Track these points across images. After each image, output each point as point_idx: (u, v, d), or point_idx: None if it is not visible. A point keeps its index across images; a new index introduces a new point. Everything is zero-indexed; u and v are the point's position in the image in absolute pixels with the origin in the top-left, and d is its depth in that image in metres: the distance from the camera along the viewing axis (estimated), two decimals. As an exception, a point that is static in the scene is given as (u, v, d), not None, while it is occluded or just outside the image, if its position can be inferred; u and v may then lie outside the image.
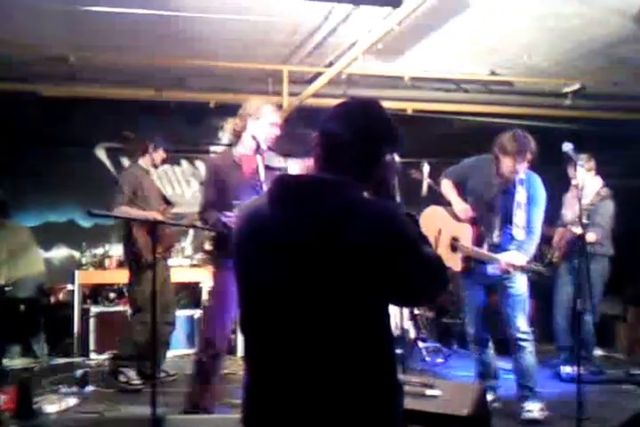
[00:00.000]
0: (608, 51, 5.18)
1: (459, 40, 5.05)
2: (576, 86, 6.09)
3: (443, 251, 4.01)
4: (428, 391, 3.23)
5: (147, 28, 4.73)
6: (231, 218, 3.38)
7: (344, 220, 1.54)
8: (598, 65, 5.57)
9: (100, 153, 5.37)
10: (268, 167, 3.60)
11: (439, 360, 5.46)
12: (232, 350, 5.43)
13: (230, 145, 3.74)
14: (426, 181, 5.57)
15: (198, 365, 3.64)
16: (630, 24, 4.51)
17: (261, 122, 3.59)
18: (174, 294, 4.92)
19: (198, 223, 4.31)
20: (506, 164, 3.84)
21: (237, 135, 3.64)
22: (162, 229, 4.39)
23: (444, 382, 3.55)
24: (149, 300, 4.32)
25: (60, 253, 6.13)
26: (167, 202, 4.69)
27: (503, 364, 4.35)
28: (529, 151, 3.79)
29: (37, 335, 5.00)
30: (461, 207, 4.08)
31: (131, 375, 4.45)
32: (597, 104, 6.68)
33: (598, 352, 5.25)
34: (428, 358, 5.45)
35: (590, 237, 4.66)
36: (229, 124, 3.70)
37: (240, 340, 5.45)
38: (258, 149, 3.55)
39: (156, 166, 4.77)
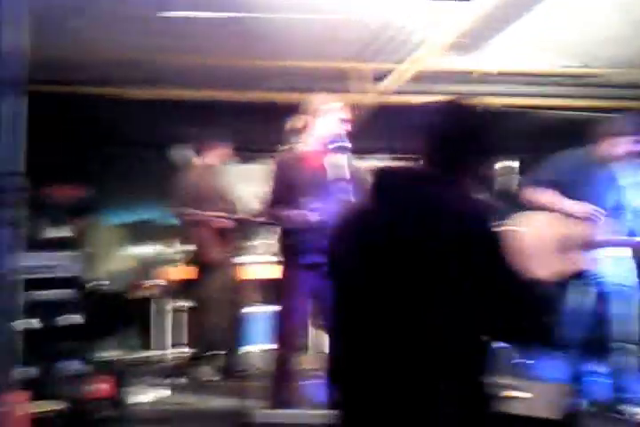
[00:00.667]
0: None
1: (542, 32, 4.92)
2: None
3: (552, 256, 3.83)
4: (516, 393, 3.17)
5: (220, 30, 4.83)
6: (306, 214, 3.40)
7: (448, 215, 1.54)
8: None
9: (179, 153, 5.52)
10: (335, 165, 3.58)
11: (528, 362, 5.30)
12: (306, 347, 5.48)
13: (295, 143, 3.73)
14: (516, 178, 5.44)
15: (276, 361, 3.67)
16: None
17: (324, 119, 3.58)
18: (251, 290, 4.92)
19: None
20: (620, 146, 3.70)
21: (301, 133, 3.65)
22: (223, 229, 4.44)
23: (532, 383, 3.47)
24: (212, 298, 4.50)
25: (148, 250, 6.33)
26: (232, 201, 4.68)
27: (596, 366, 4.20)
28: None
29: (129, 329, 5.20)
30: (580, 205, 3.82)
31: (205, 371, 4.54)
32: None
33: None
34: (515, 360, 5.30)
35: None
36: (293, 122, 3.70)
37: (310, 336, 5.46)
38: (323, 146, 3.56)
39: (219, 164, 4.73)
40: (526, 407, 3.10)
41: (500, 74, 5.77)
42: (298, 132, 3.68)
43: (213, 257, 4.46)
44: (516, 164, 5.16)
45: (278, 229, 3.79)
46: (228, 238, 4.55)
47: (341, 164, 3.56)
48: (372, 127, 6.36)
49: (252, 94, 6.27)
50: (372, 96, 5.84)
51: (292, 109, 3.64)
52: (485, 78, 5.78)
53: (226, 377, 4.56)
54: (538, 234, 3.78)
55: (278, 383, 3.66)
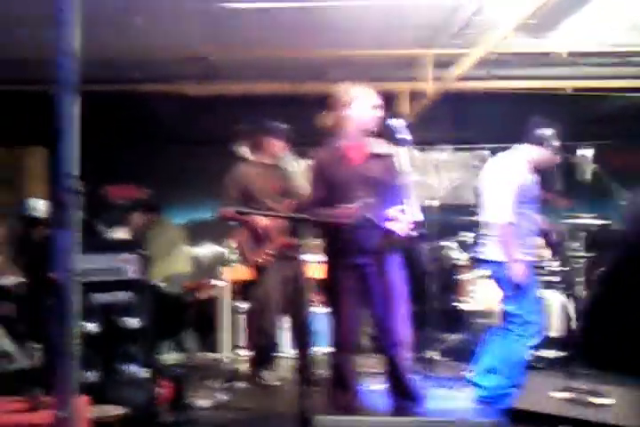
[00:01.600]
0: None
1: (618, 8, 4.55)
2: None
3: None
4: (596, 400, 2.98)
5: (283, 21, 4.73)
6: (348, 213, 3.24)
7: None
8: None
9: (241, 150, 5.43)
10: (373, 155, 3.41)
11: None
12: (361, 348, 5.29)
13: (334, 138, 3.53)
14: (590, 167, 5.10)
15: (332, 365, 3.55)
16: None
17: (355, 107, 3.40)
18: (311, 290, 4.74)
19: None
20: None
21: (337, 126, 3.46)
22: (266, 228, 4.27)
23: (615, 389, 3.22)
24: (267, 299, 4.34)
25: (207, 249, 6.32)
26: (289, 198, 4.39)
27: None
28: None
29: (187, 331, 5.16)
30: None
31: (263, 375, 4.44)
32: None
33: None
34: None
35: None
36: (327, 116, 3.50)
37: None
38: (362, 139, 3.39)
39: (276, 158, 4.46)
40: (607, 415, 2.88)
41: (573, 55, 5.41)
42: (333, 127, 3.49)
43: (253, 258, 4.32)
44: (590, 152, 4.81)
45: (320, 229, 3.64)
46: (272, 239, 4.34)
47: (381, 153, 3.40)
48: (435, 117, 6.16)
49: (315, 86, 6.13)
50: (443, 83, 5.59)
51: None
52: (560, 61, 5.43)
53: (296, 381, 4.44)
54: None
55: (335, 388, 3.54)
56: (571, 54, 5.37)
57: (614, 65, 5.86)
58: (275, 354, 4.52)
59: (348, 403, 3.49)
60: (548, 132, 3.94)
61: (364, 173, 3.36)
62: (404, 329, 3.38)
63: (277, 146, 4.44)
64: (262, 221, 4.29)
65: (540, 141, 3.94)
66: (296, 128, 4.68)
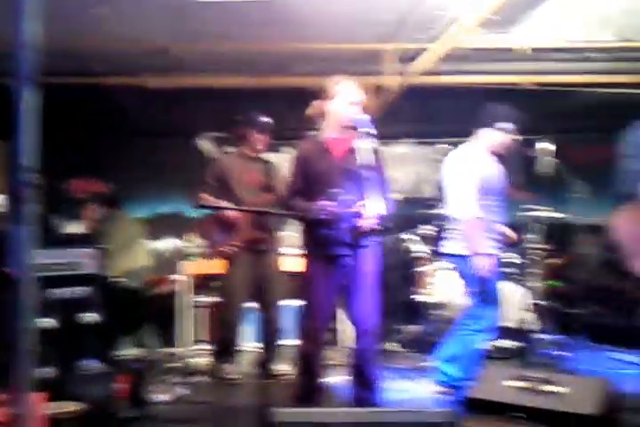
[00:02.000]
0: None
1: (579, 4, 4.64)
2: None
3: None
4: (549, 388, 3.09)
5: (248, 14, 4.70)
6: (327, 207, 3.27)
7: None
8: None
9: (204, 143, 5.39)
10: (356, 149, 3.39)
11: (563, 354, 5.09)
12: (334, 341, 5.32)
13: (316, 130, 3.56)
14: (550, 160, 5.19)
15: (300, 357, 3.56)
16: None
17: (339, 101, 3.43)
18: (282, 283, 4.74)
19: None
20: None
21: (321, 118, 3.49)
22: (235, 221, 4.26)
23: (566, 377, 3.31)
24: (234, 293, 4.31)
25: (168, 243, 6.27)
26: (269, 192, 4.40)
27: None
28: None
29: (146, 326, 5.12)
30: None
31: (225, 368, 4.41)
32: None
33: None
34: (549, 352, 5.10)
35: None
36: (311, 109, 3.53)
37: (341, 330, 5.34)
38: (344, 131, 3.41)
39: (259, 151, 4.47)
40: (559, 402, 2.96)
41: (535, 50, 5.47)
42: (317, 118, 3.51)
43: (219, 249, 4.32)
44: (550, 145, 4.90)
45: (299, 222, 3.64)
46: (241, 232, 4.33)
47: (363, 147, 3.41)
48: (402, 111, 6.20)
49: (280, 80, 6.13)
50: (404, 78, 5.63)
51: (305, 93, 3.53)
52: (522, 56, 5.50)
53: (257, 374, 4.44)
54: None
55: (302, 380, 3.55)
56: (532, 50, 5.41)
57: (575, 60, 5.93)
58: (237, 348, 4.49)
59: (313, 395, 3.50)
60: (502, 114, 4.01)
61: (344, 166, 3.37)
62: (374, 320, 3.41)
63: (261, 140, 4.44)
64: (232, 213, 4.27)
65: (495, 124, 3.99)
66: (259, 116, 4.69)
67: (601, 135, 6.55)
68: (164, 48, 5.29)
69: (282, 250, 4.75)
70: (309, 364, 3.52)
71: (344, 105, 3.43)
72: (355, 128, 3.36)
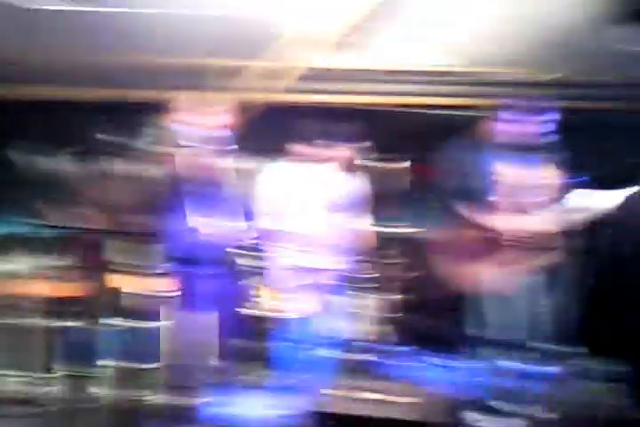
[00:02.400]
0: (585, 37, 5.02)
1: (428, 30, 4.90)
2: (555, 75, 5.94)
3: None
4: (393, 398, 3.17)
5: (112, 25, 4.57)
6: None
7: None
8: (577, 53, 5.41)
9: (64, 159, 5.17)
10: (208, 166, 3.43)
11: (412, 365, 5.29)
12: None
13: (163, 145, 3.53)
14: (404, 178, 5.42)
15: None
16: (605, 12, 4.38)
17: (191, 120, 3.45)
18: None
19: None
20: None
21: (168, 135, 3.47)
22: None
23: (413, 387, 3.45)
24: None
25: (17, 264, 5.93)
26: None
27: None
28: None
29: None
30: None
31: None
32: (578, 93, 6.52)
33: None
34: (399, 363, 5.28)
35: None
36: (159, 124, 3.50)
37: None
38: (194, 149, 3.41)
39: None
40: (402, 412, 3.08)
41: (388, 72, 5.72)
42: (162, 132, 3.47)
43: None
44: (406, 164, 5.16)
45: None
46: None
47: (219, 166, 3.44)
48: (261, 128, 6.25)
49: (145, 93, 6.00)
50: (265, 95, 5.70)
51: (156, 108, 3.50)
52: (372, 77, 5.71)
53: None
54: None
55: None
56: (386, 72, 5.65)
57: (428, 83, 6.26)
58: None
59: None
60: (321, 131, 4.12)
61: (198, 184, 3.35)
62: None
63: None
64: None
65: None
66: (123, 135, 4.56)
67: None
68: (10, 58, 5.04)
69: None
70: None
71: (197, 124, 3.41)
72: (206, 146, 3.38)
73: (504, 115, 3.60)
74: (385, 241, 5.44)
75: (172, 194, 3.37)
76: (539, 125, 3.64)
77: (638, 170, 6.40)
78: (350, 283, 4.24)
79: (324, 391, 3.41)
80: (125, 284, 4.46)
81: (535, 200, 3.56)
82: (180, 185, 3.34)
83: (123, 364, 4.25)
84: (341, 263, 4.12)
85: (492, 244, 3.60)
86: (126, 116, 5.90)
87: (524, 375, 4.33)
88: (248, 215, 3.46)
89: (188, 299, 3.42)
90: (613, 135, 6.58)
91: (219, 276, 3.44)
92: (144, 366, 4.36)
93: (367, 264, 4.57)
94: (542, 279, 4.41)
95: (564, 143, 4.61)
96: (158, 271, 3.39)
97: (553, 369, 4.60)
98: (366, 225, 4.27)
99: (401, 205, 5.64)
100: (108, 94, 5.87)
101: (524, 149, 3.60)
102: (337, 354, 5.05)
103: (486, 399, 3.72)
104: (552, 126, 3.71)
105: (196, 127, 3.41)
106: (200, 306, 3.38)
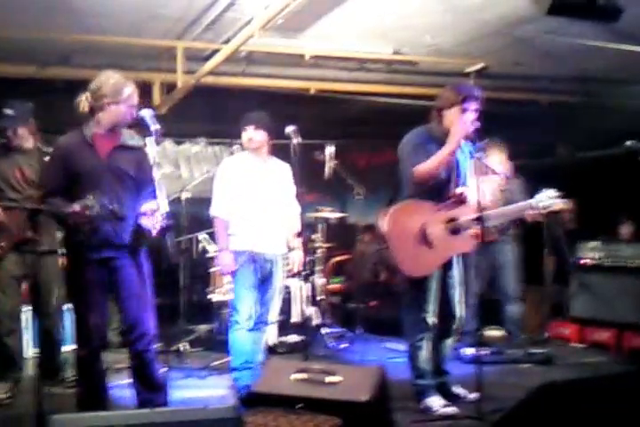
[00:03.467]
0: (510, 30, 5.18)
1: (361, 17, 4.93)
2: (479, 66, 6.09)
3: (440, 242, 3.73)
4: (329, 378, 3.17)
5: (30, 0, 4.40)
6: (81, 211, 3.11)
7: None
8: (501, 45, 5.58)
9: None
10: (124, 147, 3.37)
11: (343, 346, 5.40)
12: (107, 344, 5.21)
13: (84, 125, 3.41)
14: (329, 164, 5.51)
15: (79, 361, 3.44)
16: (529, 4, 4.51)
17: (120, 106, 3.32)
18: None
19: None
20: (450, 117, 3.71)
21: (91, 114, 3.35)
22: (6, 219, 3.96)
23: (344, 367, 3.51)
24: None
25: None
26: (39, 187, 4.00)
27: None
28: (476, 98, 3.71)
29: None
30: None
31: (1, 387, 4.03)
32: (500, 84, 6.73)
33: (498, 332, 5.33)
34: (331, 344, 5.39)
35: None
36: (82, 102, 3.34)
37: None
38: (114, 129, 3.35)
39: (19, 145, 4.13)
40: (336, 392, 3.12)
41: (320, 58, 5.73)
42: (85, 112, 3.34)
43: None
44: (330, 150, 5.20)
45: (59, 222, 3.46)
46: (9, 231, 3.99)
47: (131, 145, 3.40)
48: (190, 110, 6.16)
49: (63, 71, 5.81)
50: (194, 77, 5.61)
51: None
52: (306, 62, 5.72)
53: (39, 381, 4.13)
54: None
55: (82, 385, 3.44)
56: (318, 58, 5.65)
57: (356, 70, 6.31)
58: (15, 358, 4.14)
59: (94, 400, 3.39)
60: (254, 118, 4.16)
61: (111, 164, 3.27)
62: (151, 322, 3.39)
63: (20, 132, 4.11)
64: None
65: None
66: (43, 114, 4.36)
67: (379, 141, 7.07)
68: None
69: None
70: (87, 368, 3.41)
71: (126, 104, 3.32)
72: (129, 126, 3.33)
73: (465, 104, 3.68)
74: (318, 226, 5.53)
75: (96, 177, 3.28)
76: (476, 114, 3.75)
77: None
78: (289, 266, 4.29)
79: (265, 372, 3.43)
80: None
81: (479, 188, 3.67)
82: (101, 168, 3.24)
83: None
84: (281, 248, 4.14)
85: (434, 229, 3.68)
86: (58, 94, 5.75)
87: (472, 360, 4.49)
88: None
89: (119, 286, 3.36)
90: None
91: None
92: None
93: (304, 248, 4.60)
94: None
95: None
96: (79, 256, 3.29)
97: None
98: (297, 210, 4.29)
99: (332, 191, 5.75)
100: (21, 71, 5.65)
101: (468, 138, 3.69)
102: (288, 337, 5.15)
103: (439, 384, 3.85)
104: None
105: (125, 108, 3.31)
106: (138, 293, 3.32)
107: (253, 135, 4.09)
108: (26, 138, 4.16)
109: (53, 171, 3.37)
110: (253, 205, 4.09)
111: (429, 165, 3.64)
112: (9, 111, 4.07)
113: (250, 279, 4.05)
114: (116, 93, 3.30)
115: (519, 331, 5.20)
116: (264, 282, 4.12)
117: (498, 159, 5.04)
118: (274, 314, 4.27)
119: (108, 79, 3.35)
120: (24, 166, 4.13)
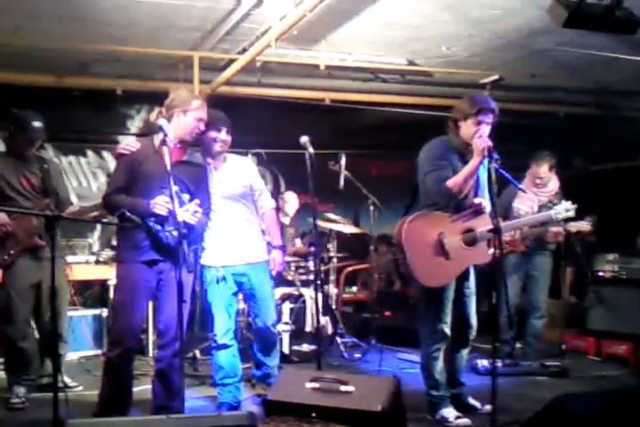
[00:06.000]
0: (525, 42, 5.22)
1: (377, 29, 4.97)
2: (494, 77, 6.12)
3: (457, 252, 3.69)
4: (342, 388, 3.16)
5: (48, 9, 4.45)
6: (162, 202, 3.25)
7: None
8: (516, 56, 5.62)
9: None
10: (187, 162, 3.52)
11: (357, 356, 5.39)
12: (142, 350, 5.26)
13: (142, 135, 3.54)
14: (343, 174, 5.53)
15: (108, 364, 3.47)
16: (545, 16, 4.53)
17: (188, 116, 3.46)
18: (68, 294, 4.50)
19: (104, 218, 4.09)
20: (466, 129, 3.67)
21: (159, 125, 3.42)
22: (15, 226, 4.00)
23: (358, 377, 3.51)
24: (6, 306, 4.02)
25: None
26: (47, 195, 4.15)
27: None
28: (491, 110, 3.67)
29: None
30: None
31: (17, 392, 4.04)
32: (516, 95, 6.76)
33: (516, 345, 5.30)
34: (345, 354, 5.38)
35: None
36: (154, 113, 3.53)
37: (151, 339, 5.27)
38: (181, 144, 3.48)
39: (22, 155, 4.13)
40: (350, 401, 3.12)
41: (333, 68, 5.74)
42: (155, 124, 3.43)
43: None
44: (343, 160, 5.23)
45: (111, 227, 3.56)
46: (20, 238, 4.03)
47: (196, 161, 3.58)
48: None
49: (76, 80, 5.89)
50: (210, 87, 5.67)
51: (128, 99, 3.40)
52: (320, 73, 5.75)
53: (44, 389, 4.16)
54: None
55: (109, 389, 3.45)
56: (330, 68, 5.66)
57: (371, 80, 6.35)
58: (27, 363, 4.14)
59: (118, 403, 3.42)
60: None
61: (173, 174, 3.27)
62: (182, 329, 3.33)
63: (26, 145, 4.13)
64: (3, 219, 3.98)
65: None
66: (60, 122, 4.41)
67: (393, 152, 7.09)
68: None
69: (70, 258, 4.56)
70: (116, 370, 3.44)
71: (193, 121, 3.46)
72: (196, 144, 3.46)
73: (480, 116, 3.67)
74: (332, 235, 5.52)
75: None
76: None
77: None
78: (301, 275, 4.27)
79: (280, 380, 3.43)
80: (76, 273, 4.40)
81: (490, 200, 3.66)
82: (165, 176, 3.33)
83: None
84: (256, 255, 3.94)
85: (451, 239, 3.68)
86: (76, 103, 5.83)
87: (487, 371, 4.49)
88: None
89: (160, 290, 3.43)
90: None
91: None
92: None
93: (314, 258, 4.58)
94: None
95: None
96: (132, 258, 3.38)
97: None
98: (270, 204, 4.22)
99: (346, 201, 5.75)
100: (41, 80, 5.74)
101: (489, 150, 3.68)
102: (302, 346, 5.12)
103: (453, 395, 3.82)
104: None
105: (192, 120, 3.45)
106: (174, 299, 3.35)
107: (226, 138, 3.86)
108: (32, 146, 4.18)
109: (122, 172, 3.47)
110: (214, 216, 3.82)
111: (459, 179, 3.61)
112: (38, 124, 4.12)
113: (220, 295, 3.89)
114: (185, 104, 3.47)
115: (538, 345, 5.15)
116: (250, 294, 3.98)
117: (545, 170, 5.02)
118: (271, 319, 4.04)
119: (180, 92, 3.56)
120: (27, 173, 4.14)
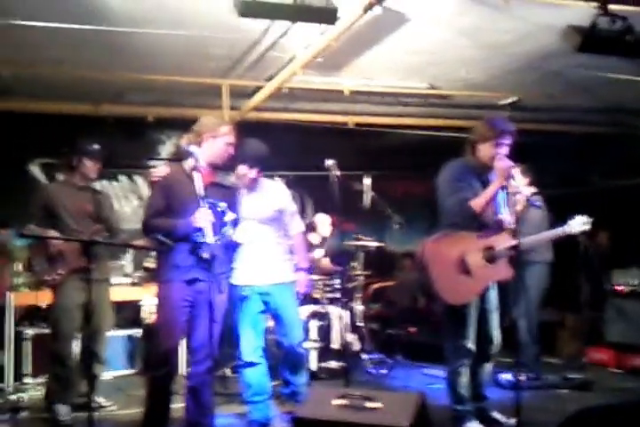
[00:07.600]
0: (541, 64, 5.34)
1: (398, 55, 5.13)
2: (512, 99, 6.26)
3: (479, 270, 3.82)
4: (370, 404, 3.22)
5: (83, 42, 4.67)
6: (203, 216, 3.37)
7: None
8: (533, 78, 5.75)
9: (35, 169, 5.20)
10: (218, 184, 3.65)
11: (383, 372, 5.47)
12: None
13: (172, 159, 3.69)
14: (367, 194, 5.67)
15: (153, 384, 3.57)
16: (559, 39, 4.66)
17: (218, 141, 3.60)
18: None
19: (136, 242, 4.28)
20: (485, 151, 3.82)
21: (191, 149, 3.56)
22: (60, 249, 4.20)
23: (385, 393, 3.56)
24: (54, 325, 4.23)
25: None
26: (100, 221, 4.41)
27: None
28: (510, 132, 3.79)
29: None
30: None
31: (60, 411, 4.19)
32: (533, 116, 6.87)
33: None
34: (371, 370, 5.47)
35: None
36: (184, 139, 3.64)
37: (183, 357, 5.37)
38: (211, 167, 3.61)
39: (90, 180, 4.44)
40: (377, 417, 3.17)
41: (358, 93, 5.93)
42: (186, 149, 3.59)
43: (44, 277, 4.25)
44: (368, 180, 5.36)
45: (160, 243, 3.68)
46: (67, 261, 4.23)
47: (226, 184, 3.72)
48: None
49: (111, 108, 6.13)
50: (239, 113, 5.86)
51: (159, 125, 3.56)
52: (344, 98, 5.93)
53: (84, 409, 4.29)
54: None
55: (151, 407, 3.55)
56: (354, 93, 5.85)
57: (393, 104, 6.50)
58: (72, 383, 4.29)
59: (160, 422, 3.52)
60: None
61: (205, 197, 3.45)
62: (215, 346, 3.52)
63: (90, 167, 4.39)
64: (57, 242, 4.19)
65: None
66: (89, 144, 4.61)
67: (415, 172, 7.22)
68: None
69: (112, 280, 4.75)
70: (161, 389, 3.53)
71: (222, 145, 3.60)
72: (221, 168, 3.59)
73: (499, 138, 3.79)
74: (357, 254, 5.62)
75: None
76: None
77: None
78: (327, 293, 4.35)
79: (308, 397, 3.50)
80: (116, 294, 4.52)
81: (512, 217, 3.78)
82: (197, 199, 3.46)
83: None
84: (281, 276, 4.04)
85: (473, 257, 3.77)
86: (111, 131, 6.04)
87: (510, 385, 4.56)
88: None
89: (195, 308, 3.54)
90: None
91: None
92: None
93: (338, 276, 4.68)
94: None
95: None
96: (172, 278, 3.47)
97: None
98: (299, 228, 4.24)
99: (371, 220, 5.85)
100: (77, 109, 5.98)
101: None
102: (329, 363, 5.17)
103: (477, 409, 3.90)
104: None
105: (222, 144, 3.59)
106: (208, 317, 3.47)
107: (245, 173, 3.98)
108: (93, 174, 4.45)
109: (158, 197, 3.61)
110: (244, 237, 3.96)
111: (481, 201, 3.74)
112: (96, 146, 4.38)
113: (246, 314, 4.01)
114: (214, 129, 3.60)
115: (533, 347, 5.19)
116: (275, 314, 4.06)
117: (522, 182, 5.06)
118: (297, 338, 4.10)
119: (208, 118, 3.73)
120: (83, 199, 4.38)
